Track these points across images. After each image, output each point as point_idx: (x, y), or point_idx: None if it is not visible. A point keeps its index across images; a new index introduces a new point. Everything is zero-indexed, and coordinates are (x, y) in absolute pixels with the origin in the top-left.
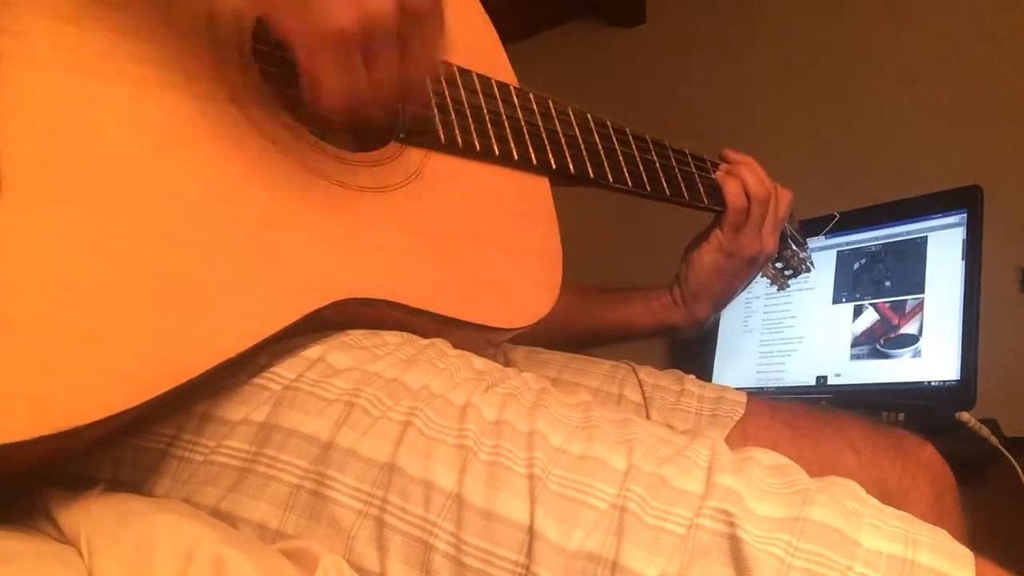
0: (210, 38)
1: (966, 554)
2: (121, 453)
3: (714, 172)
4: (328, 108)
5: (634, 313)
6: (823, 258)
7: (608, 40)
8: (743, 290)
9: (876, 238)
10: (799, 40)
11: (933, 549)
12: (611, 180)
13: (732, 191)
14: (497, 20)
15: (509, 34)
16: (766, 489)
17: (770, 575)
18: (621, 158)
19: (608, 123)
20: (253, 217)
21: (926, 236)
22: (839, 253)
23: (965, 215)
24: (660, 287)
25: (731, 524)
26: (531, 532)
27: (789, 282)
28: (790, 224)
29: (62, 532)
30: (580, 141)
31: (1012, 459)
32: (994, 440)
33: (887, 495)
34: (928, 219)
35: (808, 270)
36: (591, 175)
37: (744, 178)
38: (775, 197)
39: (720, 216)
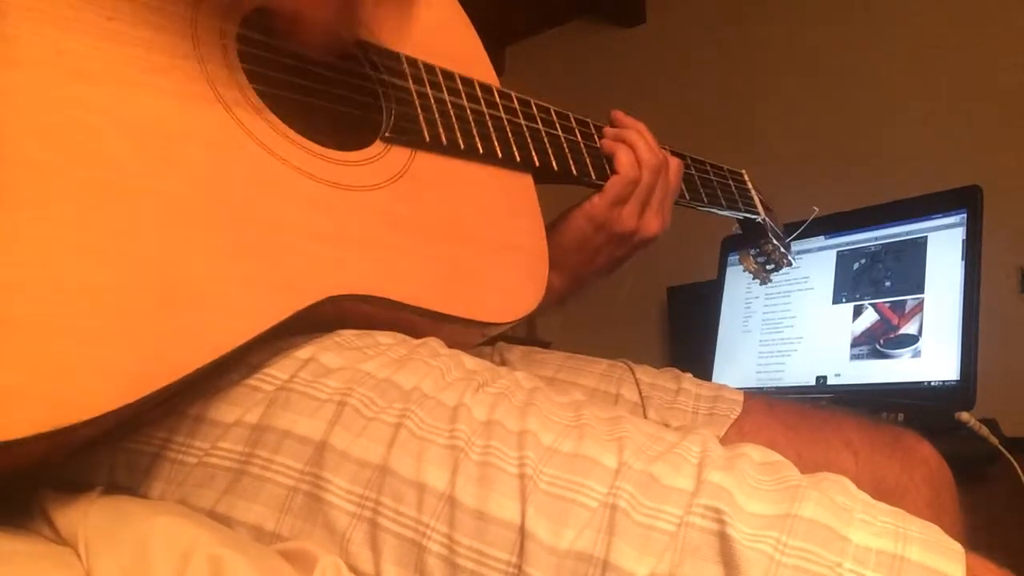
0: (195, 40)
1: (957, 549)
2: (115, 456)
3: (712, 171)
4: None
5: None
6: (823, 258)
7: (608, 40)
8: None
9: (876, 238)
10: (799, 40)
11: (924, 545)
12: (594, 177)
13: (624, 160)
14: (498, 20)
15: (509, 34)
16: (756, 486)
17: (760, 572)
18: (603, 155)
19: (589, 122)
20: (243, 216)
21: (926, 236)
22: (839, 253)
23: (965, 215)
24: None
25: (721, 522)
26: (522, 532)
27: (771, 277)
28: (771, 220)
29: (60, 534)
30: (562, 139)
31: (1012, 459)
32: (994, 440)
33: (885, 493)
34: (928, 219)
35: (789, 264)
36: (574, 172)
37: (636, 145)
38: (666, 167)
39: (603, 184)
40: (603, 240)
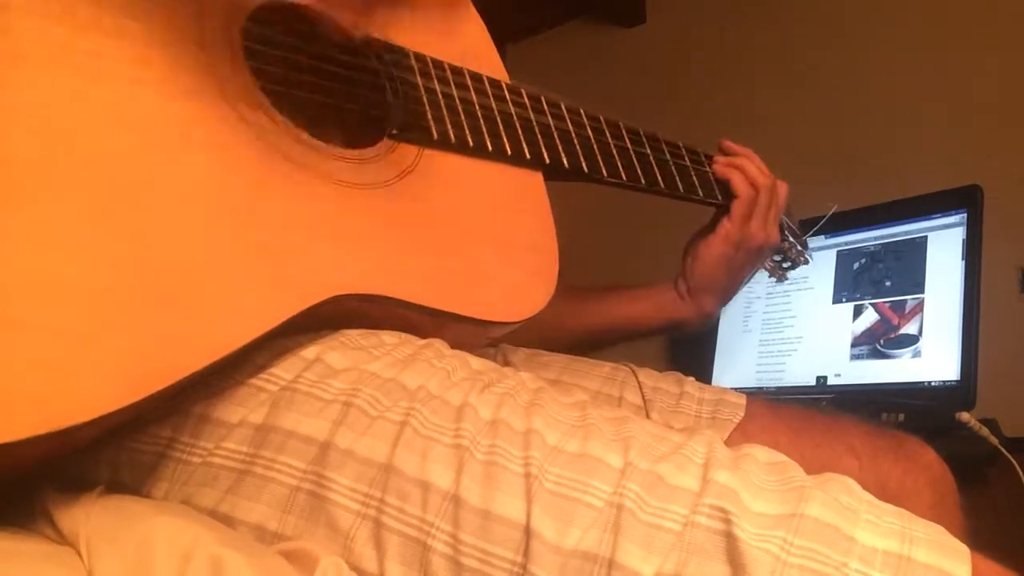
0: (200, 37)
1: (963, 550)
2: (118, 455)
3: (709, 165)
4: None
5: (639, 311)
6: (823, 258)
7: (608, 40)
8: (747, 282)
9: (876, 238)
10: (799, 40)
11: (929, 545)
12: (605, 174)
13: (739, 181)
14: (498, 20)
15: (509, 34)
16: (762, 486)
17: (766, 572)
18: (615, 152)
19: (600, 117)
20: (247, 214)
21: (926, 236)
22: (839, 253)
23: (965, 215)
24: (663, 284)
25: (727, 521)
26: (528, 531)
27: (788, 275)
28: (787, 218)
29: (61, 534)
30: (573, 136)
31: (1012, 459)
32: (994, 440)
33: (887, 497)
34: (928, 219)
35: (806, 262)
36: (585, 169)
37: (747, 169)
38: (775, 186)
39: (727, 207)
40: (744, 257)
